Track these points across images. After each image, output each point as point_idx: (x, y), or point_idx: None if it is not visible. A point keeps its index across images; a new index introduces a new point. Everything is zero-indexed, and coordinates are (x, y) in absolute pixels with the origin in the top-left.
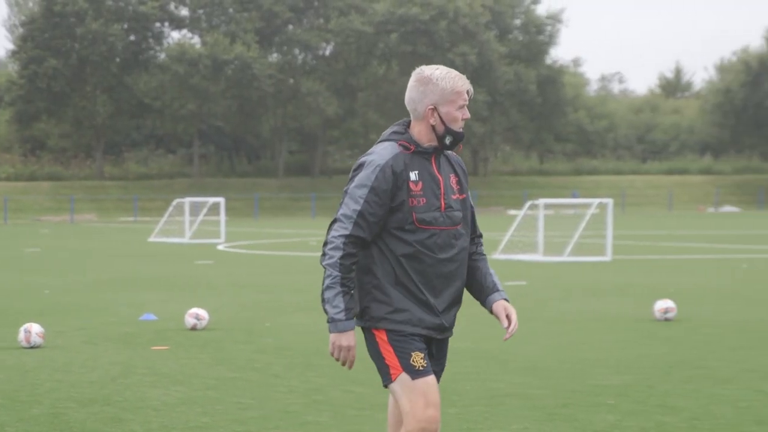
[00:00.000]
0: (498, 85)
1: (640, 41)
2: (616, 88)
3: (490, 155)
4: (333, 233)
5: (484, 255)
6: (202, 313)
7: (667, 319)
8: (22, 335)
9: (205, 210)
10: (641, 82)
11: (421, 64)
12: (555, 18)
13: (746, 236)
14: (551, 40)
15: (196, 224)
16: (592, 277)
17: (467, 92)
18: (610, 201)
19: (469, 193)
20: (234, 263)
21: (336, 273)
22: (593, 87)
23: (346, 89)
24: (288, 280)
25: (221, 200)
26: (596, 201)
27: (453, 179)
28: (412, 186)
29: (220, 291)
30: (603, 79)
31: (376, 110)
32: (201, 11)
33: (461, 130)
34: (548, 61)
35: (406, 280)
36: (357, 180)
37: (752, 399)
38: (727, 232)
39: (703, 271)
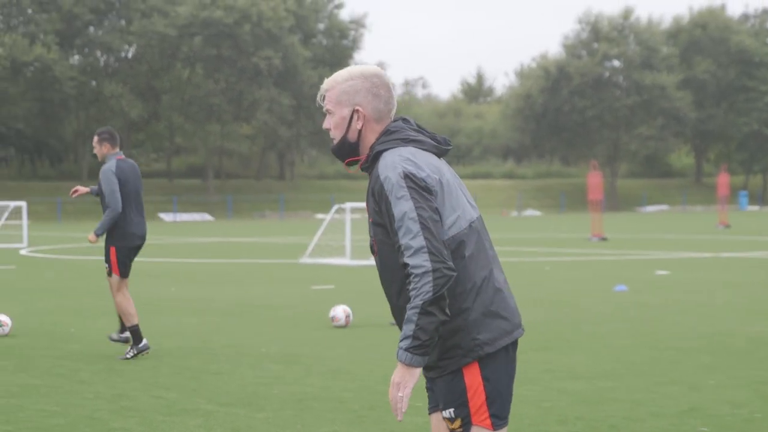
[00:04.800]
0: (303, 90)
1: (442, 47)
2: (420, 92)
3: (297, 159)
4: None
5: (412, 294)
6: (5, 319)
7: None
8: None
9: (6, 214)
10: (444, 87)
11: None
12: (358, 23)
13: (548, 239)
14: (355, 44)
15: None
16: None
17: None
18: None
19: (383, 217)
20: (37, 268)
21: None
22: (397, 92)
23: (150, 92)
24: (93, 285)
25: (23, 204)
26: None
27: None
28: None
29: (23, 296)
30: (407, 83)
31: (180, 113)
32: None
33: (333, 143)
34: (353, 65)
35: None
36: None
37: (555, 399)
38: (530, 236)
39: (507, 274)
